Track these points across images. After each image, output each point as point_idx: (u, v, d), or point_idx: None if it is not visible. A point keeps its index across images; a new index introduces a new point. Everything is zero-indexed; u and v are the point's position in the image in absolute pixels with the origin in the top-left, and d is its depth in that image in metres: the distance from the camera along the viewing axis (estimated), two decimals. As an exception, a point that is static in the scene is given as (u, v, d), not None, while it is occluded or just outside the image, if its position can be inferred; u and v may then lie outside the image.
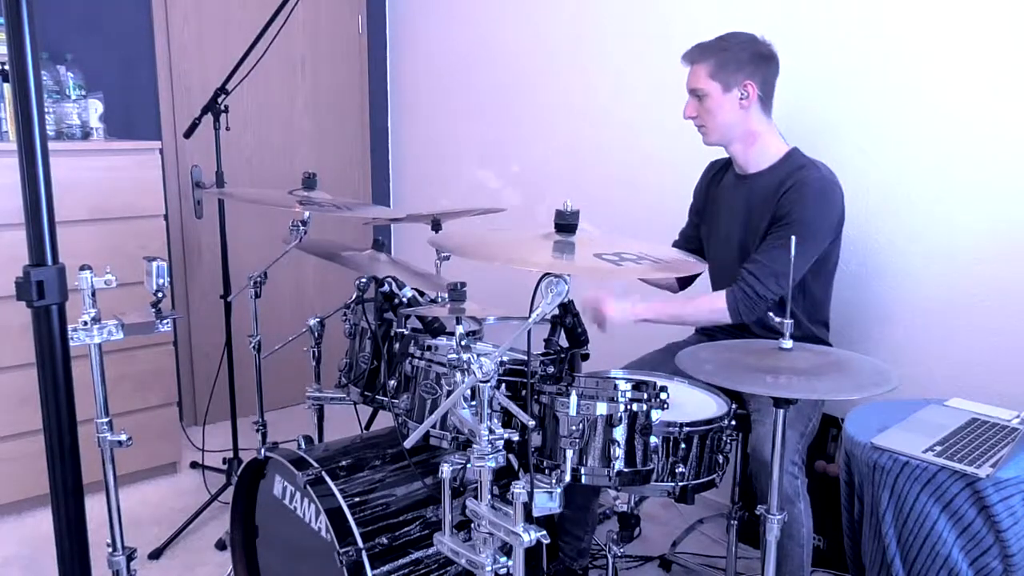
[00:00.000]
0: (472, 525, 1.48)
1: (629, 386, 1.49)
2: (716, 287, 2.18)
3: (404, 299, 1.91)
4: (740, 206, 2.08)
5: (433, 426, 1.66)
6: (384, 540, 1.71)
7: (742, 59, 1.97)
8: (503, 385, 1.62)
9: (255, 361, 2.35)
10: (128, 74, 3.12)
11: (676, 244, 2.32)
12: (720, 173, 2.20)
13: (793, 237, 1.67)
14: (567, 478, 1.48)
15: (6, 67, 1.58)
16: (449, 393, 1.62)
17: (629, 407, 1.49)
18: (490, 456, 1.42)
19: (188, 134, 2.58)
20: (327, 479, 1.74)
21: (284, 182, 3.48)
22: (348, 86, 3.73)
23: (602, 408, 1.48)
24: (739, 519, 2.10)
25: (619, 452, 1.49)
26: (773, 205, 1.98)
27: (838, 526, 1.98)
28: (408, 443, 1.44)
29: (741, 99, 1.98)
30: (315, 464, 1.77)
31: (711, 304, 1.99)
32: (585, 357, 1.58)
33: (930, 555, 1.63)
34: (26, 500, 2.68)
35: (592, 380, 1.51)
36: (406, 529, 1.77)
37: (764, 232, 2.00)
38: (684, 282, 2.32)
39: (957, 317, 2.15)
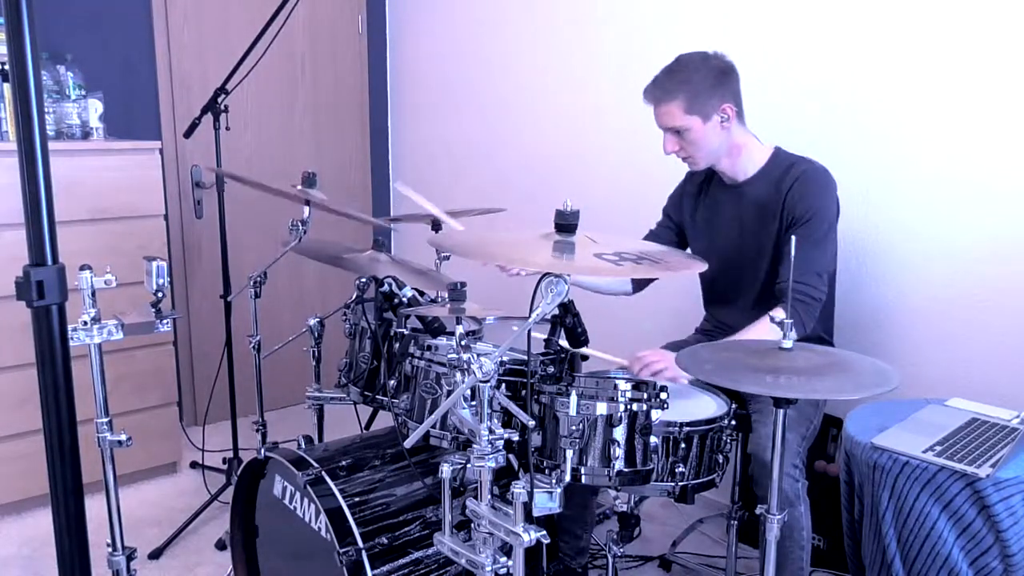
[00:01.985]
0: (472, 525, 1.48)
1: (629, 386, 1.50)
2: (723, 298, 2.16)
3: (404, 299, 1.91)
4: (739, 214, 2.06)
5: (433, 426, 1.66)
6: (384, 540, 1.71)
7: (709, 84, 1.93)
8: (503, 385, 1.62)
9: (255, 361, 2.35)
10: (128, 74, 3.12)
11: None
12: (705, 184, 2.16)
13: (793, 238, 1.66)
14: (567, 478, 1.48)
15: (6, 67, 1.58)
16: (449, 393, 1.62)
17: (629, 407, 1.49)
18: (490, 456, 1.42)
19: (188, 134, 2.58)
20: (327, 479, 1.74)
21: (284, 182, 3.46)
22: (348, 86, 3.73)
23: (602, 408, 1.48)
24: (739, 519, 2.10)
25: (619, 452, 1.49)
26: (778, 206, 1.96)
27: (838, 526, 1.98)
28: (408, 443, 1.44)
29: (723, 122, 1.95)
30: (315, 464, 1.77)
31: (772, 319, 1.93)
32: (585, 357, 1.58)
33: (930, 555, 1.63)
34: (26, 500, 2.68)
35: (592, 380, 1.52)
36: (406, 529, 1.77)
37: (777, 233, 1.98)
38: (640, 284, 2.26)
39: (957, 317, 2.15)
